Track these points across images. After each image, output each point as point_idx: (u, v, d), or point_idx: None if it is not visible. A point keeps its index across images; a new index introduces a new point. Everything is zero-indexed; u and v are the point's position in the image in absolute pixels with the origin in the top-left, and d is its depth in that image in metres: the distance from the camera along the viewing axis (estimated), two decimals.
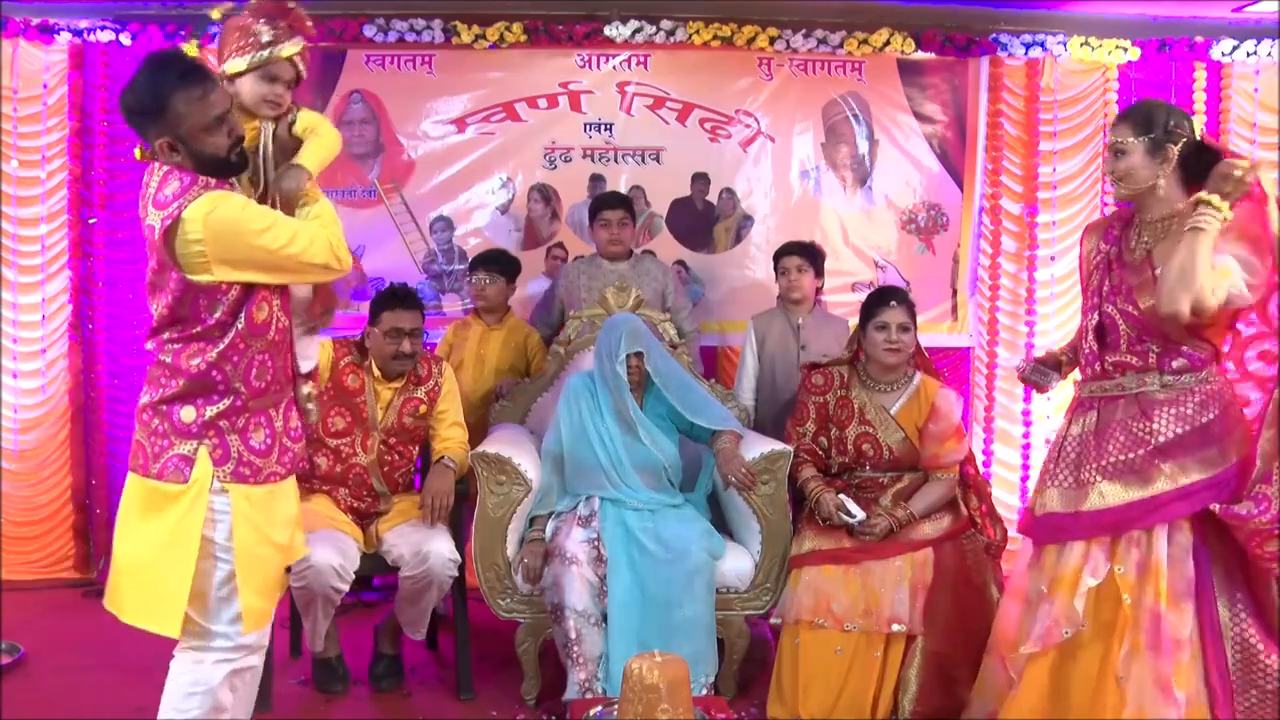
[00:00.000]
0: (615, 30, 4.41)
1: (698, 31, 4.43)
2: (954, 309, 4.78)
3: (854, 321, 3.41)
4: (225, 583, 2.08)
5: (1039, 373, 2.80)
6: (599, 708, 2.43)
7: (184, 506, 2.05)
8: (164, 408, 2.08)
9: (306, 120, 2.29)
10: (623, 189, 4.52)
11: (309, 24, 2.26)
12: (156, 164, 2.07)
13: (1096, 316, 2.53)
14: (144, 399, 2.13)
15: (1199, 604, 2.34)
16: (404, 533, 3.16)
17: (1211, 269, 2.27)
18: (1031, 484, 3.50)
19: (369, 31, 4.34)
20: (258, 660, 2.21)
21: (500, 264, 4.00)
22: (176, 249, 1.99)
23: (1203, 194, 2.31)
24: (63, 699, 3.13)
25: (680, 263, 4.60)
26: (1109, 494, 2.40)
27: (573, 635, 2.98)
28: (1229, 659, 2.31)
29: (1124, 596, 2.35)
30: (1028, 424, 4.71)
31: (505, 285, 4.01)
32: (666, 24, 4.42)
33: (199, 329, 2.05)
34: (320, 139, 2.28)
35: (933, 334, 4.57)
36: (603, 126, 4.57)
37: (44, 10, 4.26)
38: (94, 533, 4.44)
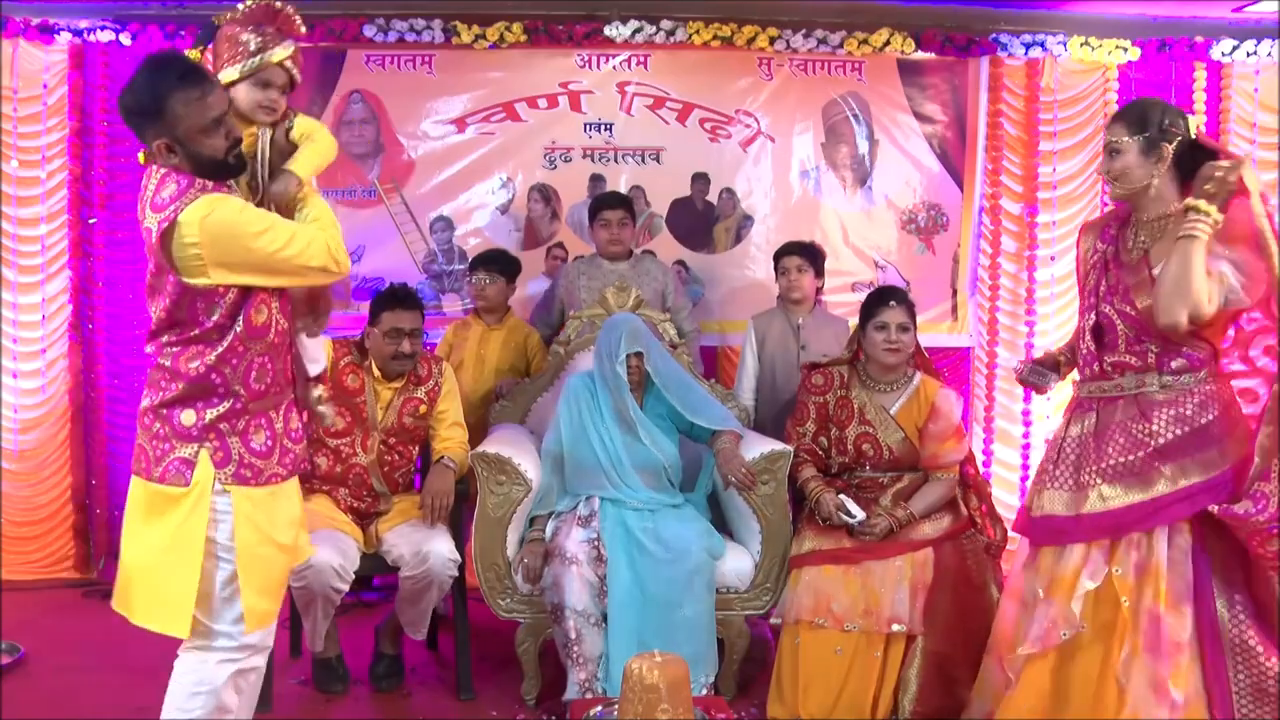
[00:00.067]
0: (615, 30, 4.41)
1: (698, 31, 4.43)
2: (954, 309, 4.78)
3: (854, 321, 3.41)
4: (228, 583, 2.08)
5: (1037, 374, 2.79)
6: (599, 708, 2.43)
7: (186, 509, 2.06)
8: (164, 411, 2.09)
9: (303, 126, 2.30)
10: (623, 189, 4.53)
11: (299, 25, 2.27)
12: (155, 167, 2.07)
13: (1094, 317, 2.52)
14: (144, 402, 2.13)
15: (1198, 606, 2.33)
16: (404, 533, 3.16)
17: (1207, 275, 2.26)
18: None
19: (369, 31, 4.34)
20: (262, 660, 2.22)
21: (500, 264, 4.00)
22: (173, 252, 1.99)
23: (1190, 200, 2.31)
24: (63, 699, 3.13)
25: (680, 263, 4.60)
26: (1109, 496, 2.40)
27: (573, 635, 2.98)
28: (1228, 661, 2.31)
29: (1122, 599, 2.35)
30: (1028, 424, 4.71)
31: (505, 285, 4.01)
32: (666, 24, 4.42)
33: (197, 332, 2.05)
34: (315, 145, 2.29)
35: (933, 334, 4.58)
36: (603, 126, 4.57)
37: (44, 10, 4.26)
38: (94, 533, 4.44)
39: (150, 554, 2.09)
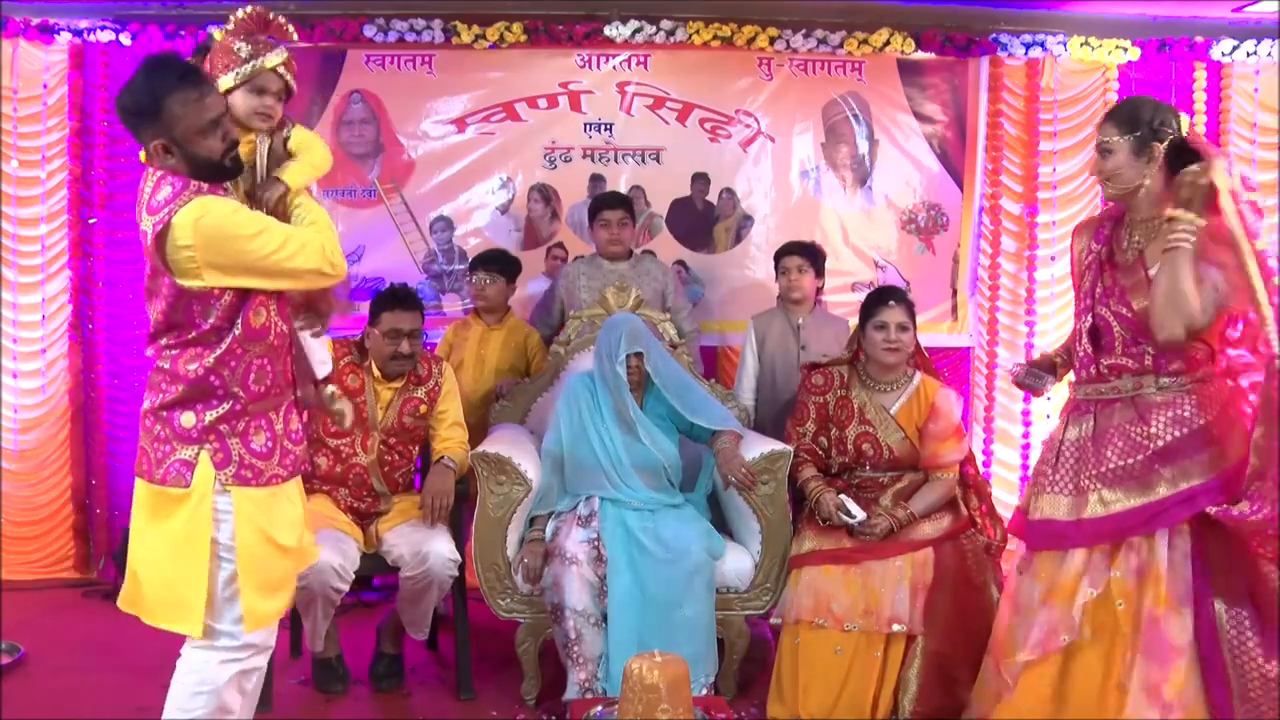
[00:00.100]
0: (615, 30, 4.41)
1: (698, 31, 4.43)
2: (954, 309, 4.78)
3: (854, 321, 3.42)
4: (229, 583, 2.09)
5: (1033, 376, 2.77)
6: (599, 708, 2.43)
7: (188, 510, 2.07)
8: (164, 413, 2.10)
9: (300, 138, 2.31)
10: (623, 189, 4.53)
11: (292, 33, 2.31)
12: (152, 169, 2.08)
13: (1090, 319, 2.51)
14: (145, 404, 2.14)
15: (1198, 608, 2.33)
16: (404, 533, 3.16)
17: (1198, 284, 2.25)
18: None
19: (369, 31, 4.34)
20: (263, 660, 2.22)
21: (500, 264, 4.00)
22: (168, 254, 2.00)
23: (1170, 211, 2.31)
24: (63, 699, 3.13)
25: (680, 263, 4.60)
26: (1110, 501, 2.38)
27: (573, 635, 2.98)
28: (1228, 663, 2.30)
29: (1117, 603, 2.34)
30: (1027, 424, 4.71)
31: (505, 285, 4.01)
32: (666, 24, 4.42)
33: (194, 334, 2.06)
34: (309, 157, 2.29)
35: (933, 334, 4.58)
36: (603, 126, 4.57)
37: (44, 10, 4.26)
38: (94, 533, 4.44)
39: (158, 554, 2.10)
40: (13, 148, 4.30)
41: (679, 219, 4.63)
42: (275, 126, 2.29)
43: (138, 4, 4.31)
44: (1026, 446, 4.71)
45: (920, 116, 4.69)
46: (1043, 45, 4.58)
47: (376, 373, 3.29)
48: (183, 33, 4.27)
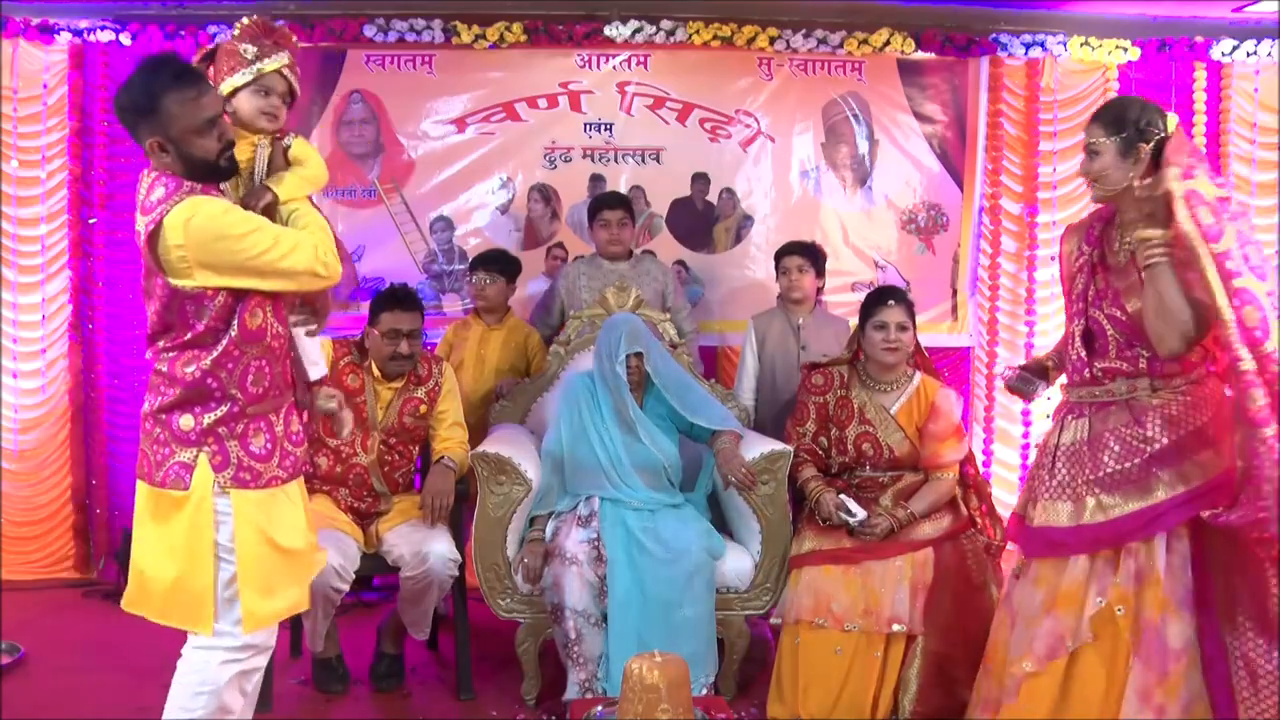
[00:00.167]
0: (615, 30, 4.41)
1: (698, 31, 4.43)
2: (954, 309, 4.78)
3: (854, 321, 3.42)
4: (230, 583, 2.09)
5: (1025, 381, 2.76)
6: (599, 708, 2.43)
7: (189, 512, 2.08)
8: (163, 416, 2.10)
9: (299, 150, 2.32)
10: (623, 189, 4.53)
11: (294, 39, 2.34)
12: (148, 170, 2.09)
13: (1083, 322, 2.49)
14: (145, 407, 2.15)
15: (1199, 610, 2.32)
16: (404, 533, 3.16)
17: (1188, 291, 2.25)
18: None
19: (369, 31, 4.34)
20: (264, 661, 2.22)
21: (500, 264, 4.00)
22: (159, 254, 2.01)
23: (1138, 233, 2.31)
24: (63, 699, 3.13)
25: (680, 263, 4.60)
26: (1109, 506, 2.37)
27: (573, 635, 2.98)
28: (1230, 663, 2.30)
29: (1118, 609, 2.34)
30: (1027, 424, 4.71)
31: (505, 285, 4.00)
32: (666, 24, 4.42)
33: (190, 336, 2.06)
34: (304, 170, 2.30)
35: (933, 334, 4.58)
36: (603, 126, 4.57)
37: (44, 10, 4.26)
38: (94, 533, 4.44)
39: (162, 555, 2.11)
40: (13, 148, 4.30)
41: (679, 219, 4.64)
42: (279, 132, 2.30)
43: (138, 4, 4.31)
44: (1026, 446, 4.71)
45: (920, 116, 4.69)
46: (1043, 45, 4.58)
47: (376, 373, 3.29)
48: (183, 33, 4.27)
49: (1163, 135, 2.36)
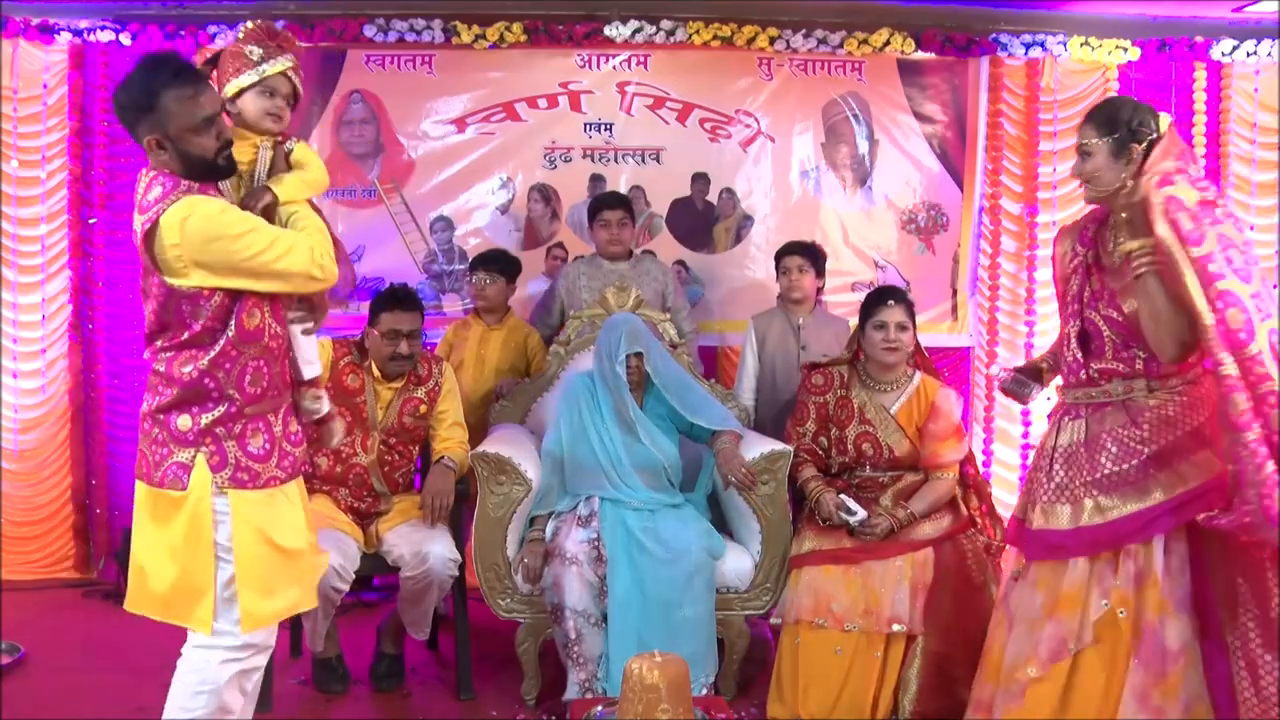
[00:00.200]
0: (615, 30, 4.41)
1: (698, 31, 4.43)
2: (954, 309, 4.78)
3: (854, 321, 3.42)
4: (229, 583, 2.09)
5: (1019, 383, 2.75)
6: (599, 708, 2.43)
7: (187, 512, 2.08)
8: (161, 416, 2.10)
9: (300, 154, 2.32)
10: (623, 189, 4.53)
11: (297, 43, 2.35)
12: (146, 170, 2.09)
13: (1079, 323, 2.49)
14: (143, 407, 2.15)
15: (1200, 610, 2.32)
16: (404, 533, 3.16)
17: (1173, 303, 2.25)
18: None
19: (369, 31, 4.34)
20: (263, 660, 2.22)
21: (500, 264, 4.00)
22: (156, 253, 2.01)
23: (1122, 247, 2.33)
24: (63, 699, 3.13)
25: (680, 263, 4.60)
26: (1107, 507, 2.37)
27: (573, 635, 2.98)
28: (1231, 663, 2.29)
29: (1119, 611, 2.33)
30: (1027, 424, 4.71)
31: (505, 285, 4.00)
32: (666, 24, 4.42)
33: (187, 336, 2.06)
34: (305, 174, 2.29)
35: (933, 334, 4.57)
36: (603, 126, 4.57)
37: (44, 10, 4.26)
38: (94, 533, 4.44)
39: (161, 555, 2.11)
40: (13, 148, 4.30)
41: (679, 219, 4.63)
42: (282, 135, 2.30)
43: (138, 4, 4.31)
44: (1026, 446, 4.70)
45: (920, 116, 4.69)
46: (1043, 45, 4.58)
47: (376, 373, 3.29)
48: (183, 33, 4.27)
49: (1155, 135, 2.36)
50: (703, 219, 4.65)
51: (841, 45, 4.50)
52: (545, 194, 4.58)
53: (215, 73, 2.26)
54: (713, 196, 4.64)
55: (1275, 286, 4.82)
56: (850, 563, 3.00)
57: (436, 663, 3.54)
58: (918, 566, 2.99)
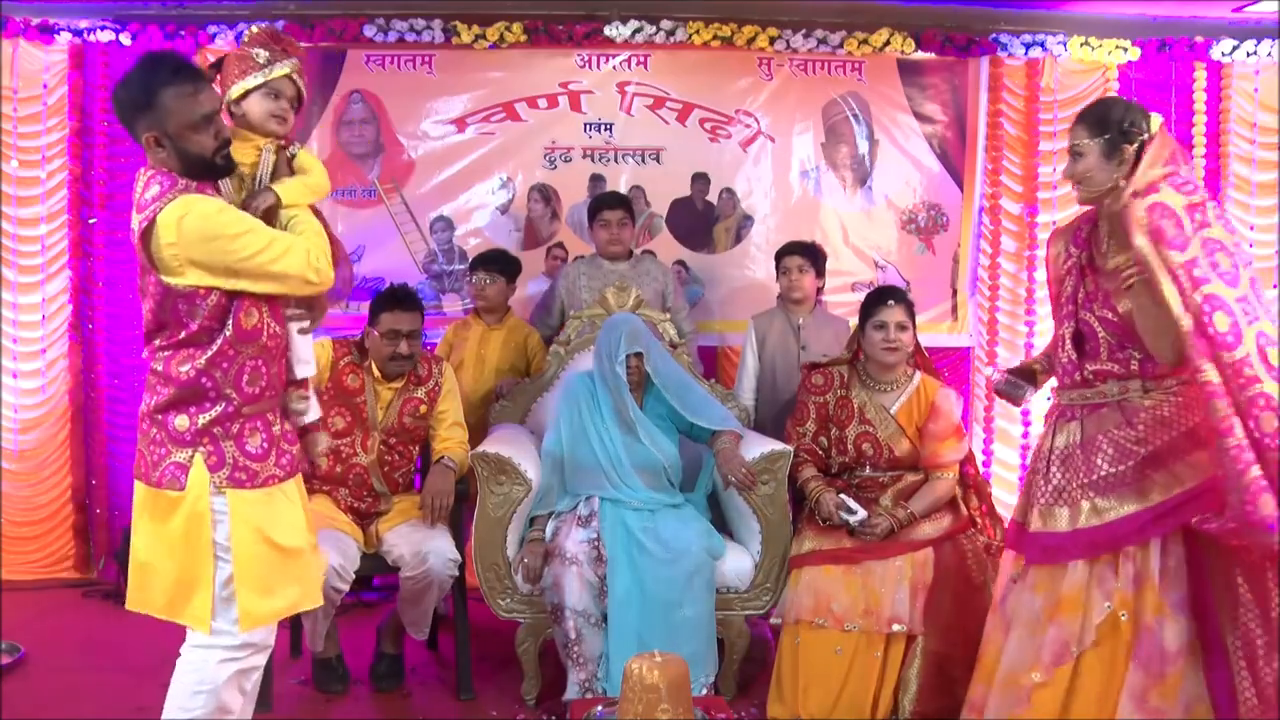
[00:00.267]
0: (615, 30, 4.41)
1: (698, 31, 4.43)
2: (954, 309, 4.78)
3: (854, 321, 3.42)
4: (227, 583, 2.09)
5: (1012, 385, 2.75)
6: (599, 708, 2.43)
7: (185, 512, 2.07)
8: (159, 416, 2.10)
9: (304, 160, 2.33)
10: (623, 189, 4.52)
11: (301, 48, 2.37)
12: (145, 169, 2.10)
13: (1073, 324, 2.49)
14: (141, 407, 2.15)
15: (1199, 611, 2.32)
16: (404, 533, 3.16)
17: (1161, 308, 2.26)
18: None
19: (369, 31, 4.34)
20: (262, 660, 2.22)
21: (500, 264, 4.00)
22: (152, 251, 2.02)
23: (1110, 263, 2.35)
24: (63, 699, 3.13)
25: (680, 263, 4.60)
26: (1104, 509, 2.36)
27: (573, 635, 2.98)
28: (1232, 663, 2.29)
29: (1121, 614, 2.33)
30: (1027, 424, 4.71)
31: (505, 285, 4.00)
32: (666, 24, 4.42)
33: (184, 335, 2.06)
34: (308, 179, 2.30)
35: (933, 334, 4.57)
36: (603, 126, 4.57)
37: (44, 10, 4.26)
38: (94, 533, 4.44)
39: (160, 554, 2.11)
40: (13, 148, 4.30)
41: (679, 219, 4.63)
42: (285, 140, 2.31)
43: (138, 4, 4.31)
44: (1026, 447, 4.70)
45: (920, 116, 4.69)
46: (1043, 45, 4.58)
47: (376, 373, 3.29)
48: (183, 33, 4.27)
49: (1146, 136, 2.37)
50: (703, 219, 4.65)
51: (841, 45, 4.50)
52: (545, 194, 4.58)
53: (219, 76, 2.27)
54: (713, 196, 4.64)
55: (1275, 286, 4.85)
56: (850, 563, 3.00)
57: (436, 663, 3.54)
58: (918, 566, 2.99)
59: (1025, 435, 4.72)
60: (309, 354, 2.35)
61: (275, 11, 4.30)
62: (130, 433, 2.23)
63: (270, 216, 2.18)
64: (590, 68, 4.54)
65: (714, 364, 4.58)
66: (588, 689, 2.95)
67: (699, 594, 3.04)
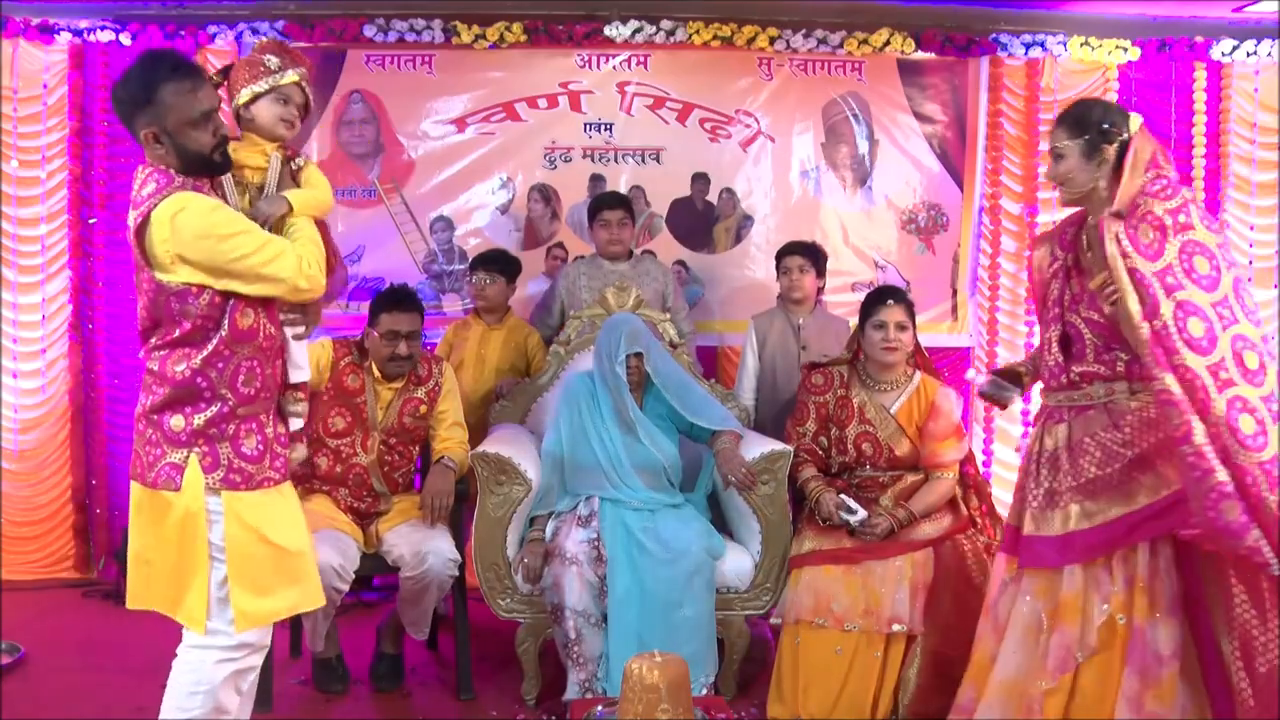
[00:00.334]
0: (615, 30, 4.41)
1: (698, 31, 4.43)
2: (954, 309, 4.78)
3: (854, 321, 3.42)
4: (223, 583, 2.09)
5: (999, 387, 2.75)
6: (599, 708, 2.43)
7: (180, 512, 2.08)
8: (155, 416, 2.10)
9: (312, 175, 2.34)
10: (623, 189, 4.53)
11: (307, 60, 2.40)
12: (143, 166, 2.10)
13: (1059, 327, 2.49)
14: (137, 408, 2.16)
15: (1193, 612, 2.32)
16: (404, 533, 3.16)
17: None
18: None
19: (369, 31, 4.34)
20: (259, 660, 2.22)
21: (500, 264, 4.00)
22: (146, 247, 2.02)
23: (1090, 285, 2.37)
24: (63, 699, 3.13)
25: (680, 263, 4.60)
26: (1093, 512, 2.36)
27: (573, 635, 2.98)
28: (1229, 667, 2.28)
29: (1118, 617, 2.33)
30: (1027, 424, 4.70)
31: (505, 285, 4.00)
32: (666, 24, 4.42)
33: (179, 333, 2.06)
34: (314, 191, 2.31)
35: (933, 334, 4.57)
36: (603, 126, 4.57)
37: (44, 10, 4.26)
38: (94, 533, 4.44)
39: (157, 553, 2.11)
40: (13, 148, 4.30)
41: (679, 219, 4.63)
42: (291, 151, 2.33)
43: (138, 4, 4.31)
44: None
45: (920, 116, 4.69)
46: (1043, 45, 4.58)
47: (376, 373, 3.29)
48: (183, 33, 4.27)
49: (1125, 136, 2.37)
50: (703, 219, 4.65)
51: (841, 45, 4.50)
52: (545, 194, 4.58)
53: (226, 83, 2.29)
54: (713, 196, 4.64)
55: (1276, 286, 4.83)
56: (850, 563, 3.00)
57: (436, 663, 3.54)
58: (918, 566, 2.99)
59: (1025, 435, 4.71)
60: (304, 359, 2.36)
61: (275, 11, 4.30)
62: (130, 433, 2.23)
63: (281, 223, 2.19)
64: (590, 68, 4.54)
65: (714, 364, 4.58)
66: (588, 689, 2.95)
67: (699, 594, 3.04)
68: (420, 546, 3.05)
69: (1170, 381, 2.17)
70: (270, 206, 2.21)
